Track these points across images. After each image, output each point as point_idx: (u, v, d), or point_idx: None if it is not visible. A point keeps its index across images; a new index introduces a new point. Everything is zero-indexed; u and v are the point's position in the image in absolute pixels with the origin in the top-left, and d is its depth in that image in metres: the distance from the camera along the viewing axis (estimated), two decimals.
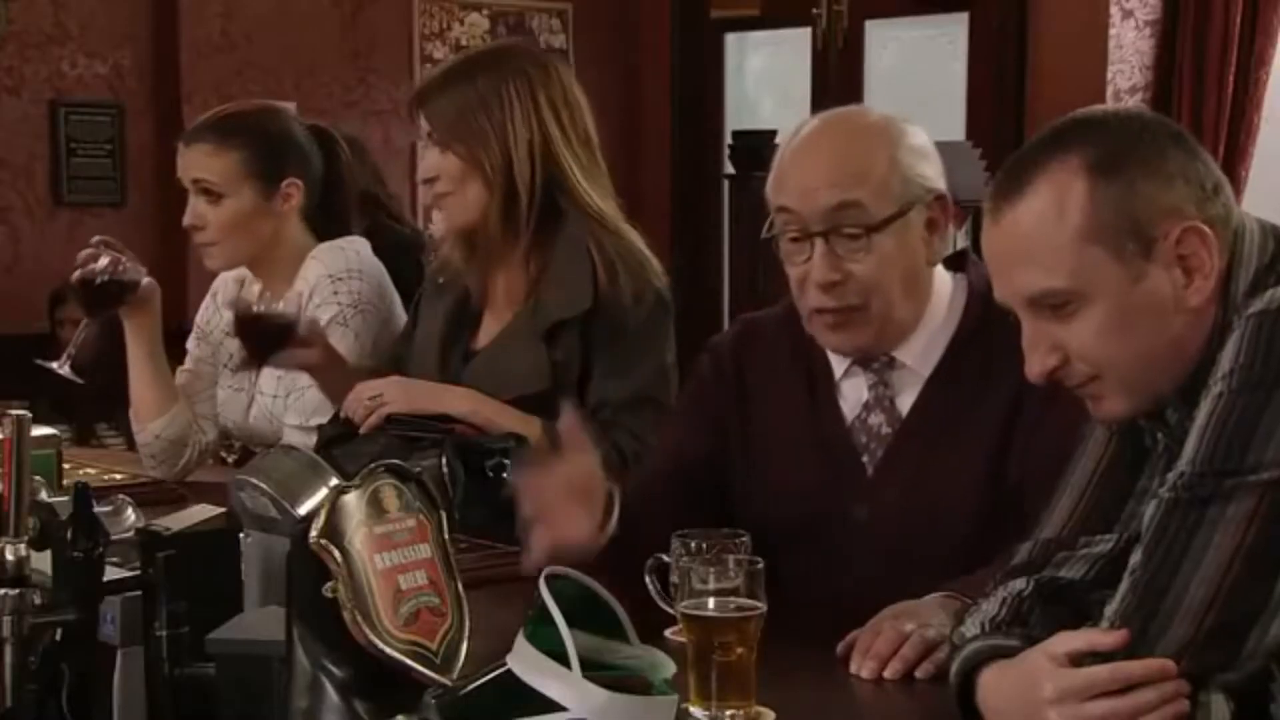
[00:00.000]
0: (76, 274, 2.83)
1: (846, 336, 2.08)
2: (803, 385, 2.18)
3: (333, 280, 2.89)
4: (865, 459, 2.11)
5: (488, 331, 2.70)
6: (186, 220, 2.89)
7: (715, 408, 2.24)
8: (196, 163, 2.90)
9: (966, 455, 2.04)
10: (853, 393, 2.14)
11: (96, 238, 2.86)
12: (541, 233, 2.61)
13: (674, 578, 1.83)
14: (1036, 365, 1.64)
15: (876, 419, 2.11)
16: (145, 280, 2.87)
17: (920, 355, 2.10)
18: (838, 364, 2.15)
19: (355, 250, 2.98)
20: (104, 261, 2.81)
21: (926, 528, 2.02)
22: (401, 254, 4.79)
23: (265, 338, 2.63)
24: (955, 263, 2.17)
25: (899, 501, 2.06)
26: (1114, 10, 5.52)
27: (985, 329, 2.04)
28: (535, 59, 2.68)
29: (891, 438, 2.10)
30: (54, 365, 2.87)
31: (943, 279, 2.14)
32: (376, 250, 3.07)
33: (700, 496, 2.19)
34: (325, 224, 3.02)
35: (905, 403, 2.11)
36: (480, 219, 2.63)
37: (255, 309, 2.63)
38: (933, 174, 2.08)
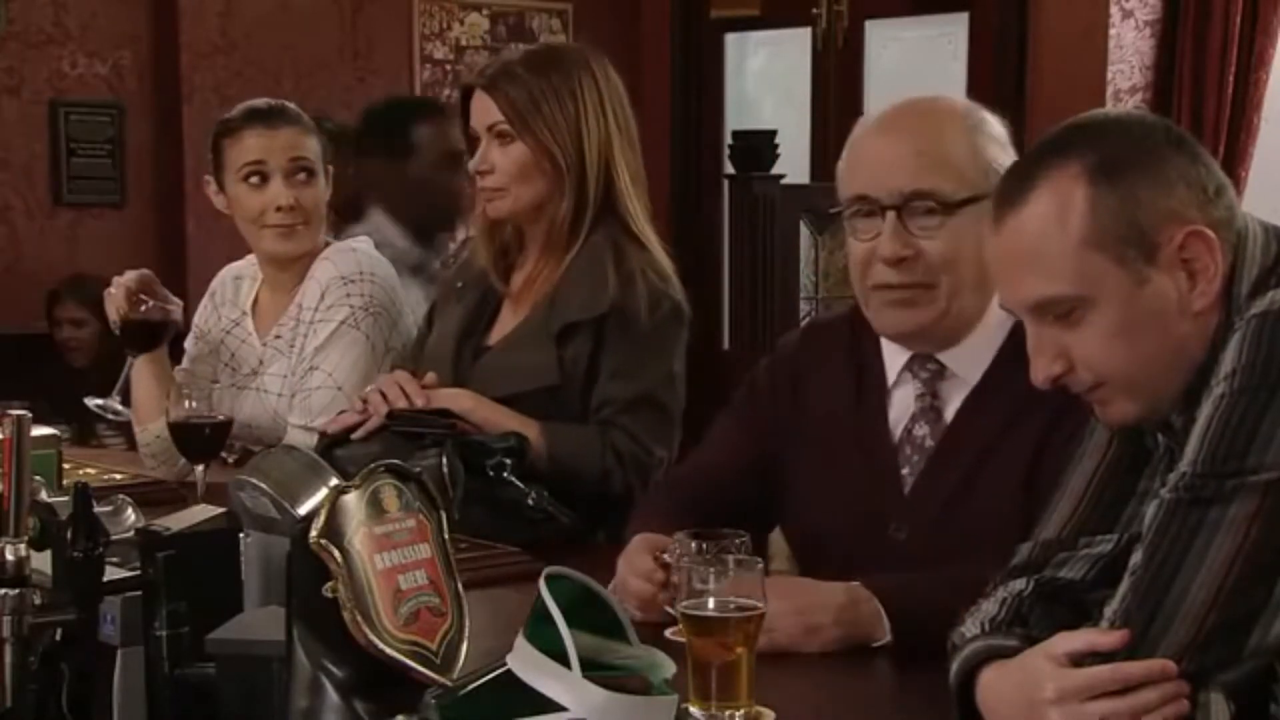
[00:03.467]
0: (121, 315, 2.85)
1: (908, 315, 2.02)
2: (852, 390, 2.12)
3: (345, 282, 2.90)
4: (906, 471, 2.06)
5: (502, 328, 2.71)
6: (286, 202, 2.89)
7: (767, 414, 2.20)
8: (294, 142, 2.91)
9: (1004, 472, 1.99)
10: (901, 402, 2.09)
11: (134, 280, 2.86)
12: (575, 234, 2.63)
13: (674, 578, 1.83)
14: (1041, 372, 1.64)
15: (921, 430, 2.07)
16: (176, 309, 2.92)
17: (969, 363, 2.05)
18: (891, 369, 2.10)
19: (365, 252, 2.99)
20: (150, 304, 2.85)
21: (963, 548, 1.95)
22: None
23: (200, 439, 2.62)
24: None
25: (936, 522, 2.02)
26: (1114, 10, 5.51)
27: None
28: (598, 59, 2.68)
29: (933, 451, 2.05)
30: (104, 408, 2.93)
31: None
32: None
33: (732, 493, 2.16)
34: (353, 216, 3.05)
35: (950, 414, 2.06)
36: (534, 213, 2.64)
37: (187, 409, 2.62)
38: (1009, 162, 2.01)
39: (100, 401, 3.00)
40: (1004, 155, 2.02)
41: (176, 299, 2.92)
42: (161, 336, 2.90)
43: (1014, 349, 1.98)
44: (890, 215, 1.99)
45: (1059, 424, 1.93)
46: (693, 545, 1.78)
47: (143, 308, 2.84)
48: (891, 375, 2.10)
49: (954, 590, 1.81)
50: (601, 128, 2.62)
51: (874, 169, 2.02)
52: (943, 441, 2.05)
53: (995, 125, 2.06)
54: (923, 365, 2.08)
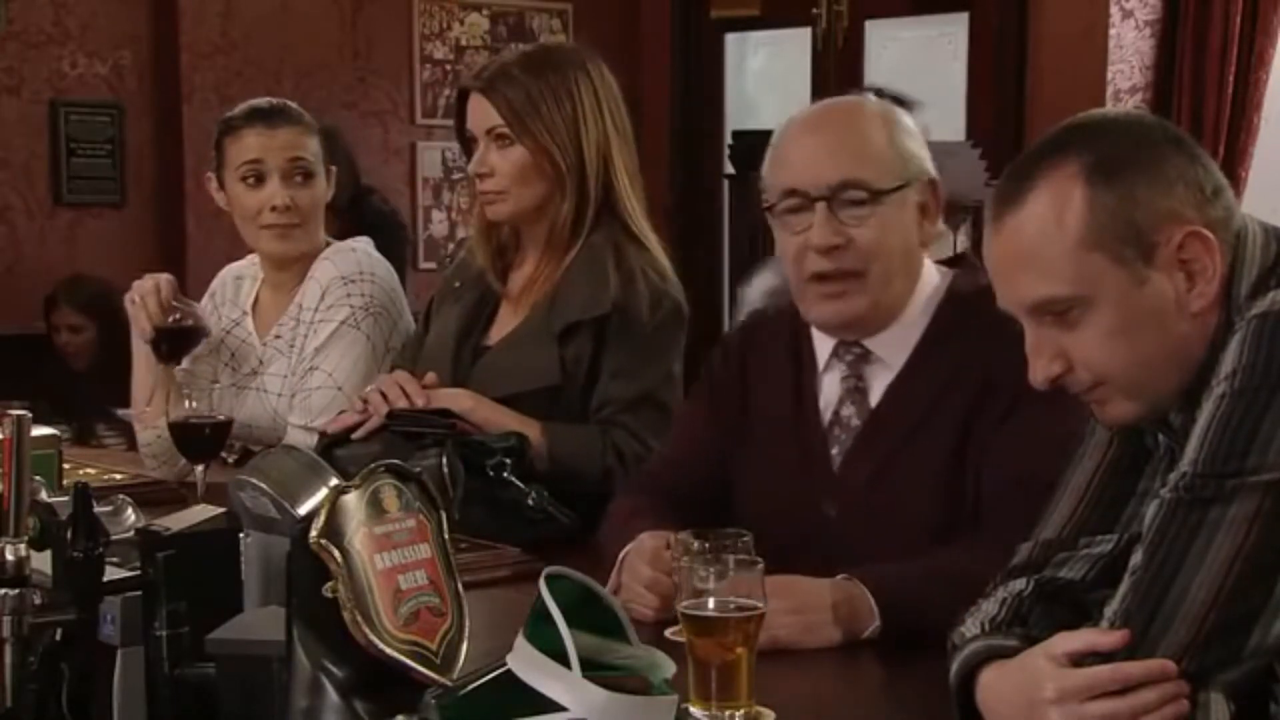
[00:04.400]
0: (156, 325, 2.84)
1: (842, 306, 2.10)
2: (791, 376, 2.20)
3: (345, 282, 2.90)
4: (835, 451, 2.13)
5: (501, 328, 2.71)
6: (281, 202, 2.89)
7: (720, 401, 2.26)
8: (293, 142, 2.92)
9: (928, 453, 2.05)
10: (830, 386, 2.17)
11: (167, 288, 2.86)
12: (576, 234, 2.63)
13: (675, 578, 1.83)
14: (1040, 372, 1.64)
15: (848, 411, 2.14)
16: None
17: (893, 348, 2.13)
18: (821, 355, 2.18)
19: (366, 252, 2.99)
20: (181, 313, 2.86)
21: (891, 526, 2.04)
22: (388, 230, 4.88)
23: (199, 439, 2.61)
24: (954, 263, 2.20)
25: (863, 499, 2.08)
26: (1114, 10, 5.51)
27: (958, 329, 2.08)
28: (592, 58, 2.69)
29: (858, 431, 2.12)
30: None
31: (929, 275, 2.17)
32: (368, 227, 3.11)
33: (703, 488, 2.22)
34: (341, 218, 3.06)
35: (875, 396, 2.13)
36: (534, 214, 2.64)
37: (187, 409, 2.60)
38: (926, 157, 2.13)
39: (134, 413, 3.02)
40: (920, 148, 2.13)
41: (194, 302, 2.94)
42: (195, 343, 2.92)
43: (936, 334, 2.11)
44: (820, 206, 2.07)
45: (985, 404, 2.02)
46: (694, 544, 1.78)
47: (172, 317, 2.85)
48: (821, 360, 2.18)
49: (938, 579, 1.89)
50: (600, 128, 2.62)
51: (803, 164, 2.10)
52: (868, 422, 2.12)
53: (910, 121, 2.15)
54: (848, 349, 2.16)
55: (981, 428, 2.03)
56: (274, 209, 2.89)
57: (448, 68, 6.56)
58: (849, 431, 2.13)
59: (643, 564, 2.00)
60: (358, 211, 4.88)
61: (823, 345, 2.18)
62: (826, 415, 2.15)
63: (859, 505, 2.08)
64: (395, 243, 5.12)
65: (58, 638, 1.53)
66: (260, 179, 2.90)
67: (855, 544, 2.03)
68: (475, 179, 2.67)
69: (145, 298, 2.85)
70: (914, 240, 2.11)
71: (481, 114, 2.64)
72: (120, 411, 3.03)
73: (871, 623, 1.90)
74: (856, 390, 2.14)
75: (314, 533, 1.35)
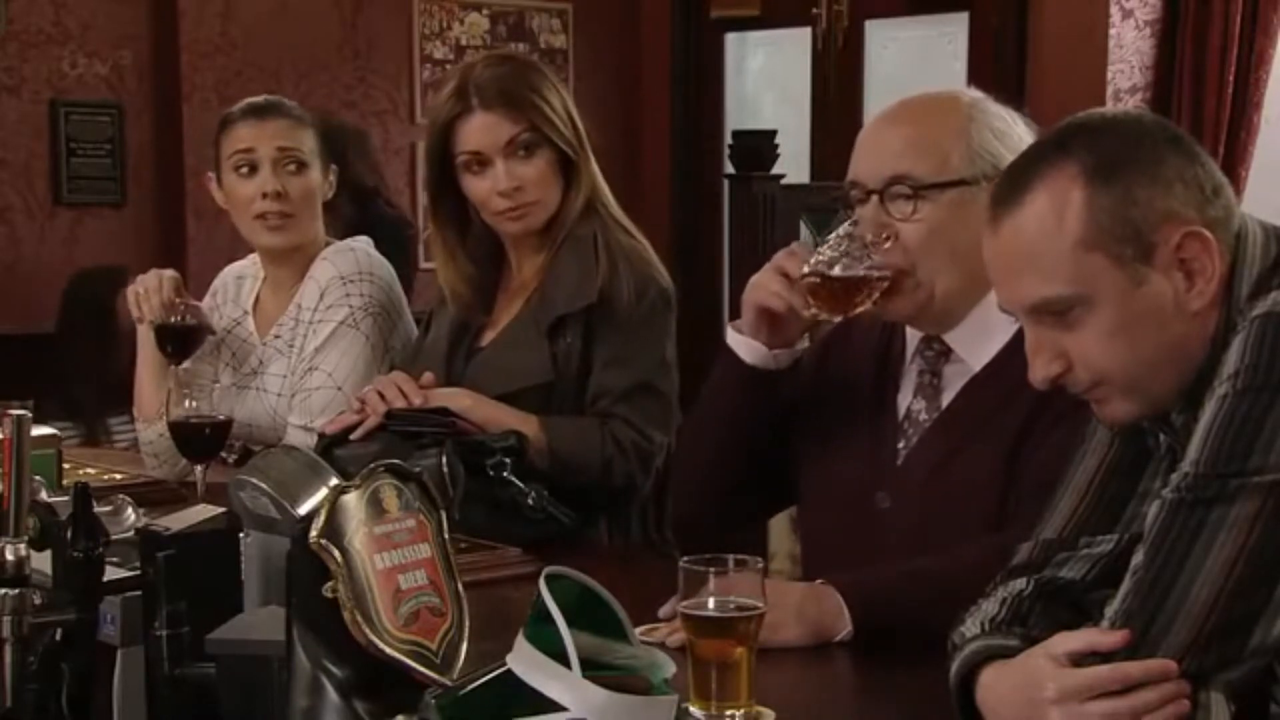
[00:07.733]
0: (159, 323, 2.87)
1: (890, 304, 2.06)
2: (875, 371, 2.18)
3: (344, 282, 2.90)
4: (902, 445, 2.11)
5: (492, 328, 2.71)
6: (271, 188, 2.89)
7: (791, 386, 2.22)
8: (283, 133, 2.92)
9: (988, 455, 2.03)
10: (909, 382, 2.15)
11: (170, 287, 2.89)
12: (562, 227, 2.63)
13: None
14: (1040, 372, 1.64)
15: (918, 406, 2.12)
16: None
17: (973, 347, 2.09)
18: (910, 348, 2.15)
19: (365, 252, 2.99)
20: (182, 315, 2.88)
21: (941, 523, 2.01)
22: (394, 236, 4.89)
23: (199, 439, 2.61)
24: None
25: (920, 493, 2.06)
26: (1114, 10, 5.51)
27: None
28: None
29: (926, 427, 2.10)
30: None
31: None
32: (372, 233, 3.12)
33: (766, 474, 2.22)
34: (340, 217, 3.08)
35: (949, 395, 2.10)
36: (555, 215, 2.64)
37: (187, 409, 2.60)
38: (1006, 155, 2.01)
39: (138, 414, 3.04)
40: (999, 145, 2.05)
41: (195, 302, 2.96)
42: (199, 343, 2.95)
43: (1019, 342, 1.99)
44: (873, 199, 2.04)
45: (1043, 411, 1.97)
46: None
47: (175, 317, 2.87)
48: (909, 354, 2.15)
49: (916, 582, 1.89)
50: (578, 115, 2.64)
51: (864, 155, 2.08)
52: (938, 420, 2.10)
53: (1000, 118, 2.09)
54: (929, 345, 2.13)
55: (1035, 432, 2.00)
56: (265, 196, 2.89)
57: (448, 68, 6.55)
58: (917, 427, 2.11)
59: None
60: (364, 212, 4.89)
61: (912, 340, 2.16)
62: (901, 408, 2.13)
63: (913, 500, 2.06)
64: (402, 243, 5.12)
65: (58, 638, 1.53)
66: (253, 168, 2.91)
67: (904, 538, 2.02)
68: (496, 198, 2.61)
69: (149, 293, 2.86)
70: (979, 239, 2.05)
71: (493, 130, 2.59)
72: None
73: (844, 625, 1.90)
74: (930, 387, 2.11)
75: (314, 533, 1.35)
